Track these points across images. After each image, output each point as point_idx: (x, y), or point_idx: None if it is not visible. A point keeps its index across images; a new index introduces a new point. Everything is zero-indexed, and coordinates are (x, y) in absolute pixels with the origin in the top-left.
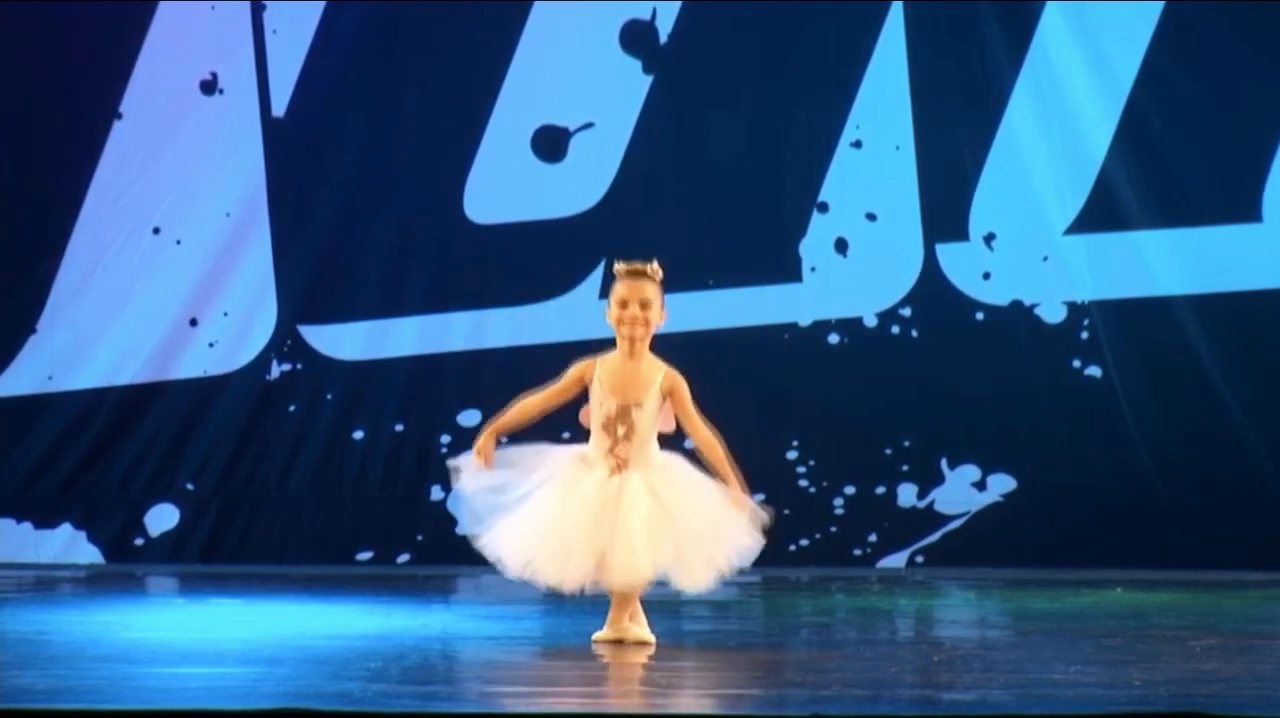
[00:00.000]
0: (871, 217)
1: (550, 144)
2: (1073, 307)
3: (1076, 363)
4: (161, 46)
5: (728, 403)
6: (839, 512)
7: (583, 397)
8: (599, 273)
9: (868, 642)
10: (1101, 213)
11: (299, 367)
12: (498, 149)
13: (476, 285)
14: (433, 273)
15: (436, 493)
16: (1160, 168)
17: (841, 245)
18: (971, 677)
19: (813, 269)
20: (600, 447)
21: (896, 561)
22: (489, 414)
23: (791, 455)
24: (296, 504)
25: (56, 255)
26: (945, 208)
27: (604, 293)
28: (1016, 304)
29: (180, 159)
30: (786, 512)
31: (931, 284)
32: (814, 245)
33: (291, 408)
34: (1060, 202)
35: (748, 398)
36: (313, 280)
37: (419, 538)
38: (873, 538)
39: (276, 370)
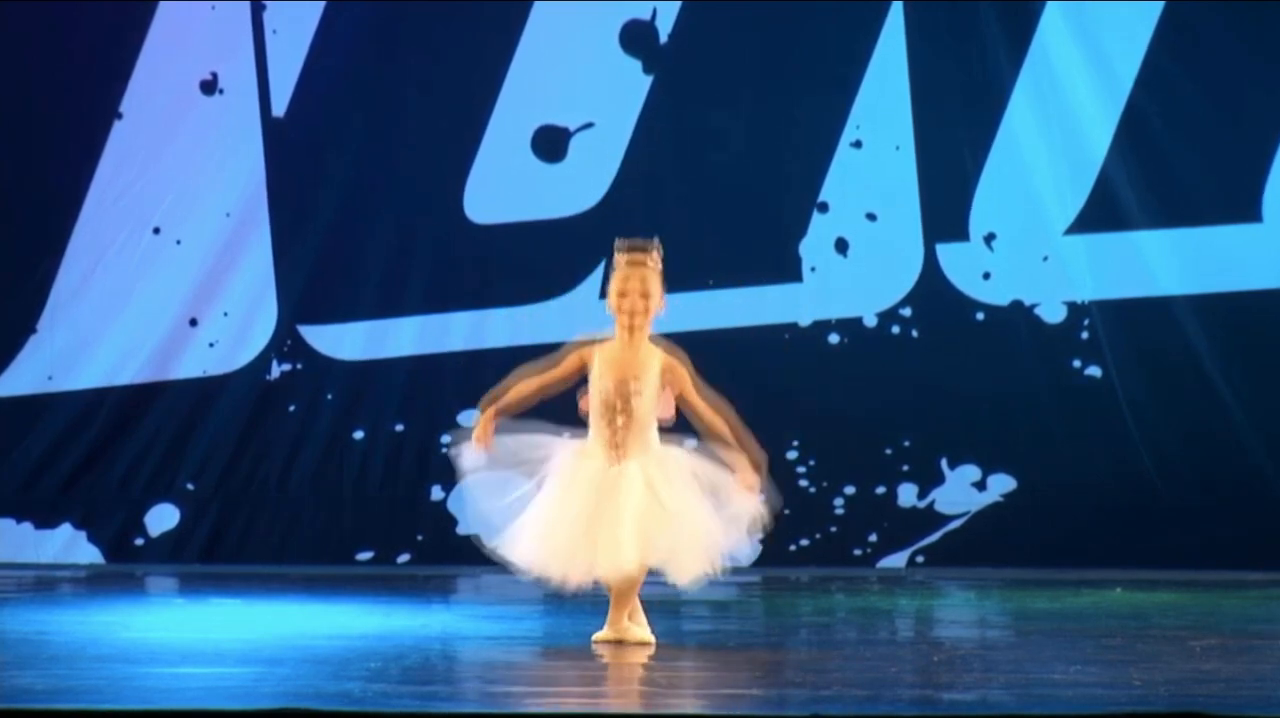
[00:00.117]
0: (871, 217)
1: (550, 144)
2: (1073, 307)
3: (1076, 363)
4: (161, 46)
5: (729, 403)
6: (839, 512)
7: (581, 384)
8: (599, 273)
9: (868, 642)
10: (1101, 213)
11: (299, 367)
12: (498, 149)
13: (476, 285)
14: (433, 273)
15: (436, 493)
16: (1160, 168)
17: (841, 245)
18: (971, 677)
19: (813, 269)
20: (599, 435)
21: (896, 561)
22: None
23: (791, 455)
24: (296, 504)
25: (56, 255)
26: (945, 208)
27: (603, 293)
28: (1016, 304)
29: (180, 159)
30: (786, 512)
31: (931, 284)
32: (814, 245)
33: (291, 408)
34: (1060, 201)
35: (748, 398)
36: (313, 280)
37: (419, 538)
38: (873, 538)
39: (276, 370)
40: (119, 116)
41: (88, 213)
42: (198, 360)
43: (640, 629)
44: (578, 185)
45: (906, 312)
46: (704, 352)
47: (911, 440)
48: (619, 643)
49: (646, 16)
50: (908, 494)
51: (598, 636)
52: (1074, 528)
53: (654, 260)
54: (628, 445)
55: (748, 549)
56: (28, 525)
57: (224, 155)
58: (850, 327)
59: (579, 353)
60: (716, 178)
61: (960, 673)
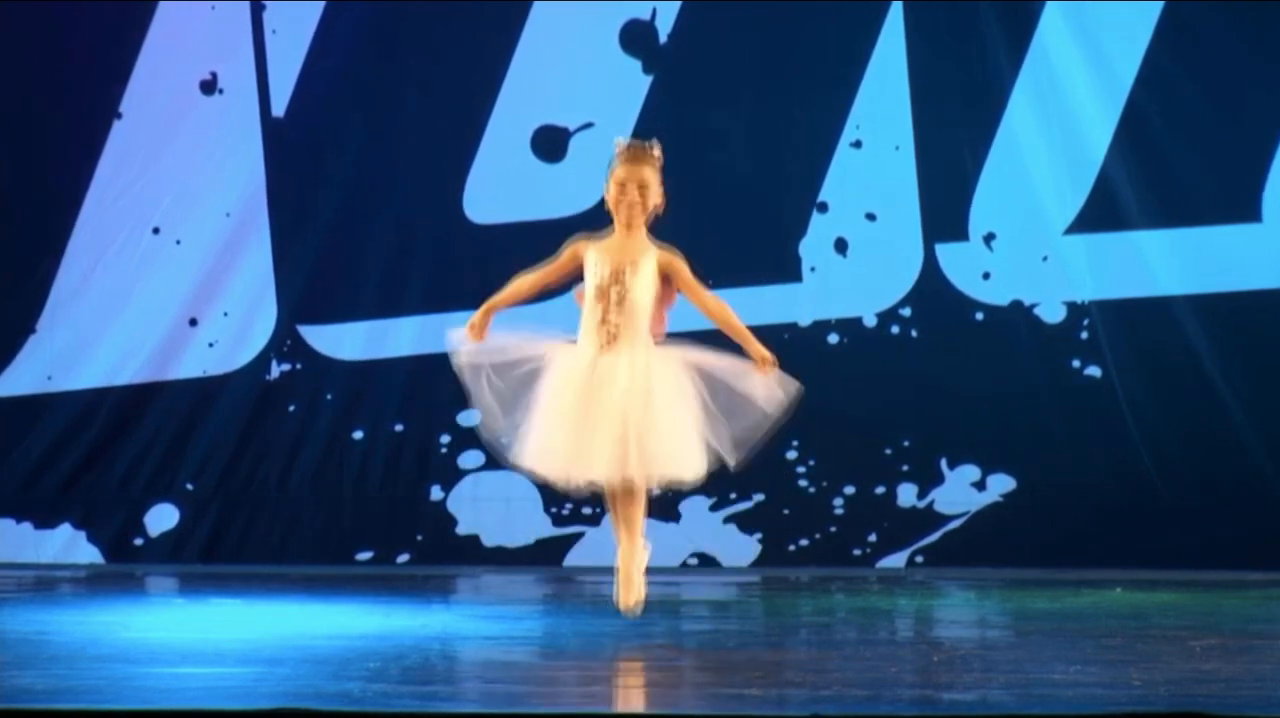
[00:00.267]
0: (871, 217)
1: (550, 144)
2: (1073, 307)
3: (1076, 363)
4: (161, 46)
5: None
6: (839, 512)
7: (578, 280)
8: None
9: (868, 642)
10: (1101, 213)
11: (299, 367)
12: (498, 149)
13: (476, 285)
14: (433, 273)
15: (436, 493)
16: (1160, 168)
17: (841, 245)
18: (971, 677)
19: (813, 269)
20: (592, 318)
21: (896, 561)
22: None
23: (791, 455)
24: (296, 504)
25: (56, 255)
26: (945, 208)
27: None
28: (1016, 304)
29: (180, 159)
30: (786, 512)
31: (931, 284)
32: (814, 245)
33: (291, 408)
34: (1060, 202)
35: None
36: (313, 280)
37: (419, 538)
38: (872, 538)
39: (276, 370)
40: (119, 116)
41: (88, 213)
42: (198, 360)
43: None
44: (578, 185)
45: (906, 312)
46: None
47: (911, 440)
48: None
49: (646, 16)
50: (907, 494)
51: (623, 562)
52: (1074, 528)
53: (653, 157)
54: (619, 332)
55: (777, 407)
56: (28, 525)
57: (224, 155)
58: (850, 327)
59: (574, 247)
60: (716, 178)
61: (960, 673)
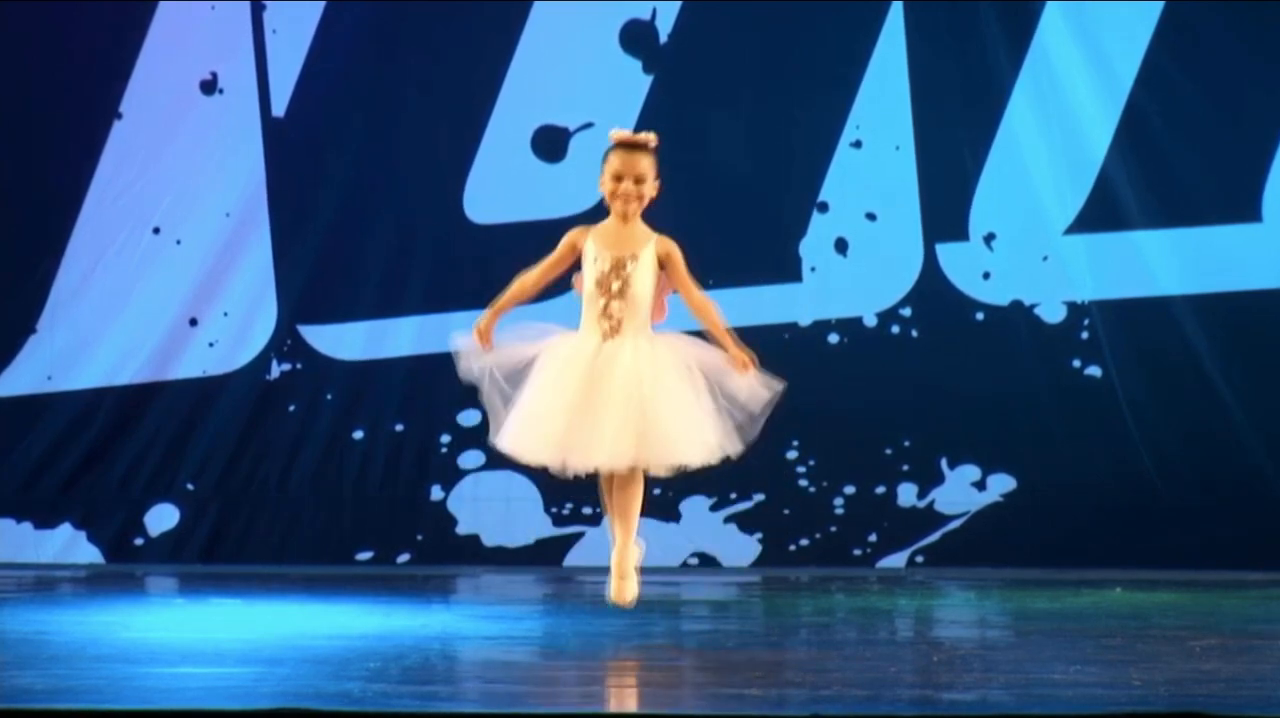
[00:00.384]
0: (871, 216)
1: (550, 144)
2: (1073, 307)
3: (1076, 363)
4: (161, 46)
5: None
6: (839, 512)
7: (577, 269)
8: None
9: (868, 642)
10: (1101, 213)
11: (299, 367)
12: (498, 149)
13: (476, 285)
14: (433, 273)
15: (436, 493)
16: (1160, 168)
17: (841, 245)
18: (971, 677)
19: (813, 269)
20: (593, 309)
21: (896, 561)
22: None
23: (791, 455)
24: (296, 504)
25: (56, 255)
26: (945, 208)
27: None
28: (1016, 304)
29: (180, 159)
30: (786, 512)
31: (931, 284)
32: (814, 245)
33: (291, 408)
34: (1060, 202)
35: None
36: (313, 280)
37: (419, 538)
38: (873, 538)
39: (276, 370)
40: (119, 116)
41: (88, 212)
42: (198, 360)
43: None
44: (578, 185)
45: (906, 311)
46: None
47: (911, 440)
48: (620, 580)
49: (646, 16)
50: (907, 494)
51: (617, 562)
52: (1074, 528)
53: (648, 148)
54: (621, 322)
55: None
56: (28, 525)
57: (224, 155)
58: (850, 326)
59: (572, 238)
60: (716, 178)
61: (960, 673)
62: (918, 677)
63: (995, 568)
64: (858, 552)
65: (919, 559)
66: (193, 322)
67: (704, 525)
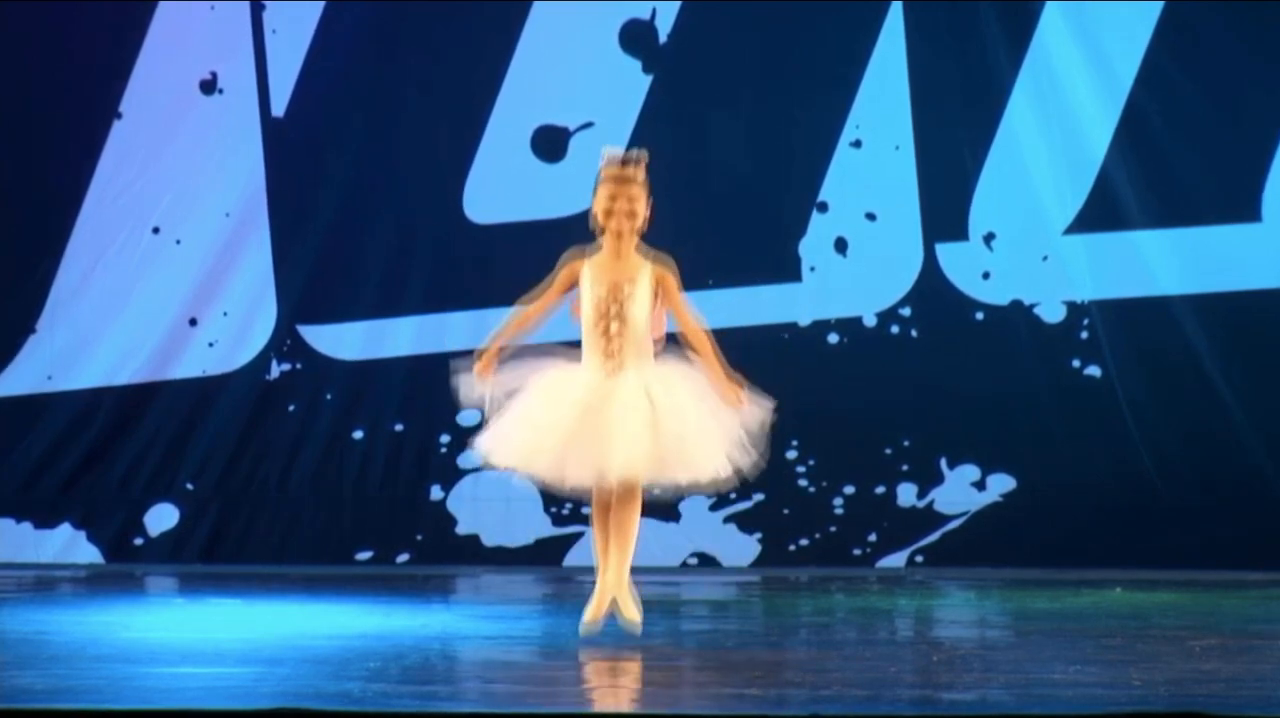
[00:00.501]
0: (871, 216)
1: (550, 144)
2: (1072, 306)
3: (1076, 363)
4: (161, 46)
5: None
6: (839, 512)
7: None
8: None
9: (868, 642)
10: (1101, 213)
11: (299, 367)
12: (498, 149)
13: (476, 285)
14: (432, 273)
15: (436, 493)
16: (1160, 168)
17: (841, 245)
18: (971, 677)
19: (812, 269)
20: (594, 346)
21: (896, 560)
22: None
23: (791, 455)
24: (296, 504)
25: (56, 255)
26: (945, 208)
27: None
28: (1016, 304)
29: (180, 159)
30: (786, 512)
31: (931, 284)
32: (814, 245)
33: (291, 408)
34: (1060, 201)
35: None
36: (313, 280)
37: (419, 538)
38: (872, 538)
39: (276, 370)
40: (119, 116)
41: (87, 212)
42: (197, 360)
43: (631, 609)
44: (578, 185)
45: (906, 311)
46: None
47: (911, 440)
48: (611, 612)
49: (646, 16)
50: (907, 494)
51: (588, 616)
52: (1074, 528)
53: (640, 173)
54: (623, 355)
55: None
56: (28, 525)
57: (224, 155)
58: (850, 326)
59: (569, 267)
60: (716, 178)
61: (960, 673)
62: (918, 677)
63: (995, 568)
64: (857, 552)
65: (919, 559)
66: (192, 322)
67: (704, 525)
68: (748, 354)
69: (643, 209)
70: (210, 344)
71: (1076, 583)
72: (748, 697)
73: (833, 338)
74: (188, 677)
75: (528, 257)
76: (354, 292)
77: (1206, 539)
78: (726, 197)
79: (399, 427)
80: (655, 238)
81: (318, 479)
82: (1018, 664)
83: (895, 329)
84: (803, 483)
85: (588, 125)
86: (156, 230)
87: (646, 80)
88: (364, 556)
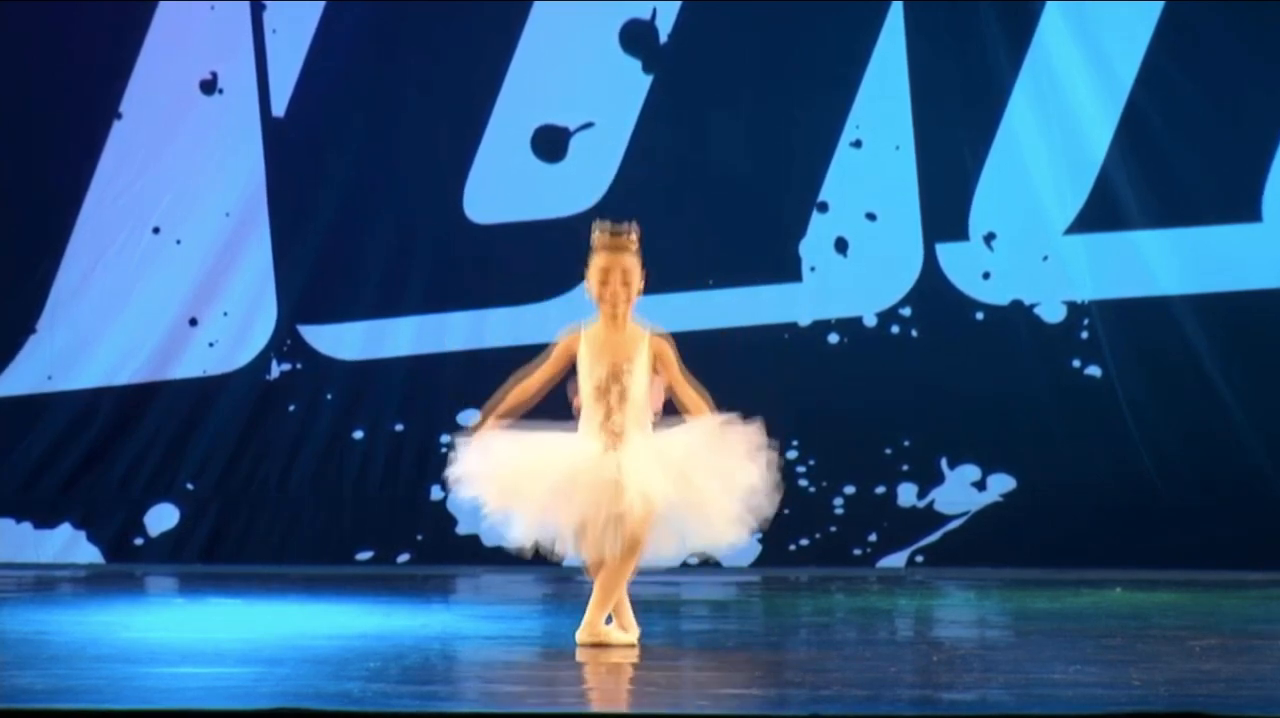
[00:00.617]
0: (871, 216)
1: (550, 144)
2: (1073, 306)
3: (1076, 363)
4: (161, 46)
5: (728, 403)
6: (839, 512)
7: (571, 377)
8: None
9: (868, 642)
10: (1101, 213)
11: (299, 367)
12: (498, 149)
13: (476, 285)
14: (432, 273)
15: (436, 493)
16: (1160, 168)
17: (841, 245)
18: (971, 677)
19: (813, 269)
20: (594, 420)
21: (896, 560)
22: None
23: (791, 455)
24: (296, 504)
25: (56, 255)
26: (945, 208)
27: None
28: (1016, 304)
29: (180, 159)
30: (786, 512)
31: (931, 284)
32: (814, 245)
33: (291, 408)
34: (1060, 202)
35: (748, 398)
36: (313, 280)
37: (419, 538)
38: (873, 538)
39: (276, 370)
40: (119, 116)
41: (87, 212)
42: (197, 360)
43: (619, 633)
44: (578, 185)
45: (906, 311)
46: (704, 352)
47: (911, 440)
48: (597, 647)
49: (646, 16)
50: (907, 494)
51: (580, 637)
52: (1074, 528)
53: (632, 243)
54: (625, 429)
55: (760, 520)
56: (28, 525)
57: (224, 155)
58: (850, 326)
59: (567, 342)
60: (716, 178)
61: (960, 673)
62: (918, 677)
63: (995, 568)
64: (858, 552)
65: (919, 559)
66: (193, 322)
67: None
68: (748, 354)
69: (637, 281)
70: (210, 344)
71: (1076, 583)
72: (748, 697)
73: (833, 338)
74: (188, 677)
75: (528, 257)
76: (354, 292)
77: (1206, 539)
78: (726, 197)
79: (399, 427)
80: (656, 238)
81: (318, 479)
82: (1018, 664)
83: (895, 329)
84: (803, 483)
85: (588, 125)
86: (156, 230)
87: (647, 80)
88: (364, 556)
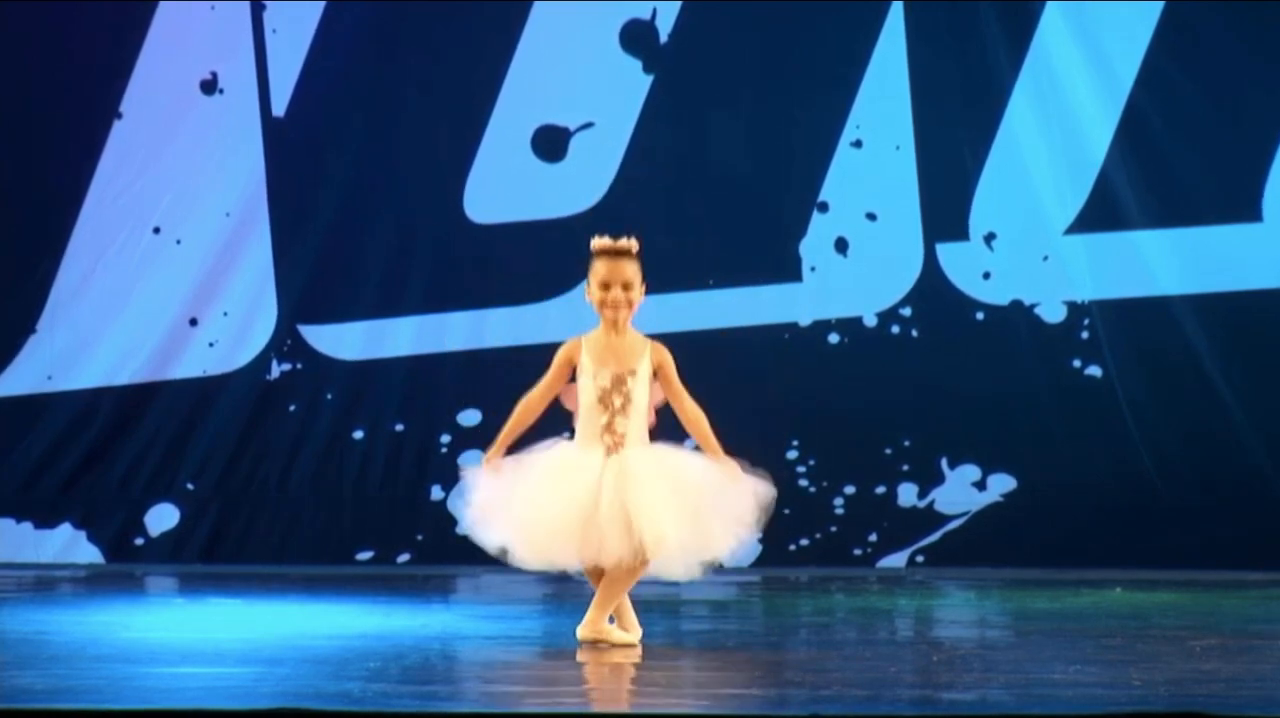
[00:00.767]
0: (871, 216)
1: (550, 144)
2: (1073, 306)
3: (1076, 363)
4: (161, 46)
5: (728, 403)
6: (839, 512)
7: (570, 377)
8: None
9: (868, 642)
10: (1101, 213)
11: (299, 367)
12: (498, 149)
13: (476, 285)
14: (432, 273)
15: (436, 493)
16: (1160, 168)
17: (841, 245)
18: (971, 677)
19: (813, 269)
20: (594, 426)
21: (896, 560)
22: (489, 414)
23: (791, 455)
24: (296, 504)
25: (56, 255)
26: (945, 208)
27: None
28: (1016, 304)
29: (180, 159)
30: (787, 512)
31: (931, 284)
32: (814, 245)
33: (291, 408)
34: (1060, 201)
35: (748, 398)
36: (313, 280)
37: (419, 538)
38: (873, 538)
39: (276, 370)
40: (119, 116)
41: (88, 212)
42: (197, 360)
43: (621, 632)
44: (578, 185)
45: (906, 311)
46: (704, 352)
47: (911, 440)
48: (597, 643)
49: (646, 16)
50: (908, 494)
51: (580, 633)
52: (1074, 528)
53: (631, 248)
54: (625, 433)
55: (750, 539)
56: (28, 525)
57: (224, 155)
58: (850, 326)
59: (568, 352)
60: (716, 178)
61: (960, 673)
62: (918, 677)
63: (995, 568)
64: (858, 552)
65: (919, 559)
66: (193, 322)
67: None
68: (748, 354)
69: (638, 288)
70: (210, 344)
71: (1076, 583)
72: (748, 697)
73: (833, 338)
74: (188, 677)
75: (528, 257)
76: (354, 292)
77: (1206, 539)
78: (726, 197)
79: (399, 427)
80: (656, 238)
81: (318, 479)
82: (1018, 664)
83: (896, 329)
84: (803, 483)
85: (588, 125)
86: (157, 230)
87: (647, 80)
88: (364, 556)
